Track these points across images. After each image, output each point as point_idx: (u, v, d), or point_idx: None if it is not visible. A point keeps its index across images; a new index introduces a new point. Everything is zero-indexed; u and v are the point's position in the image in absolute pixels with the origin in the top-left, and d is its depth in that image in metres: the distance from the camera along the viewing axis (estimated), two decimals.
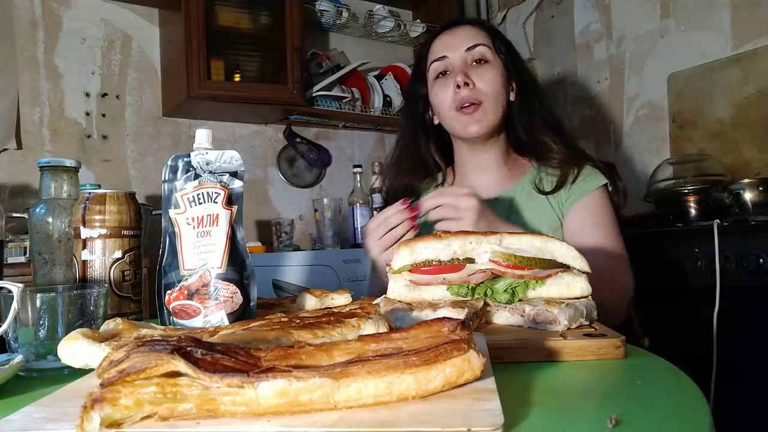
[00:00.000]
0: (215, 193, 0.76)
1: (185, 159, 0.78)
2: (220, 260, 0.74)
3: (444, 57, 1.13)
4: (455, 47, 1.13)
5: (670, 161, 2.14)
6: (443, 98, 1.17)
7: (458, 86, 1.13)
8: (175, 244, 0.76)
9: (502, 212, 1.20)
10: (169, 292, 0.75)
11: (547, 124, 1.19)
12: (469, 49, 1.12)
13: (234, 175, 0.77)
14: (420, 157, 1.25)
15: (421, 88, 1.23)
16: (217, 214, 0.75)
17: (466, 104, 1.14)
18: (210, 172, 0.77)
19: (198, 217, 0.75)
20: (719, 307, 1.48)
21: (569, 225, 1.15)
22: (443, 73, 1.17)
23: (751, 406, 1.46)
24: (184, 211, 0.76)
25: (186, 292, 0.73)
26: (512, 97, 1.20)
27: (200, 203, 0.76)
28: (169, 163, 0.78)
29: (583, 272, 0.75)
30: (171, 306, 0.74)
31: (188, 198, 0.76)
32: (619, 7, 2.55)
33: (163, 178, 0.78)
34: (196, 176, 0.77)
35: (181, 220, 0.76)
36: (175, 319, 0.74)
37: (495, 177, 1.24)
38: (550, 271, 0.75)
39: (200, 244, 0.75)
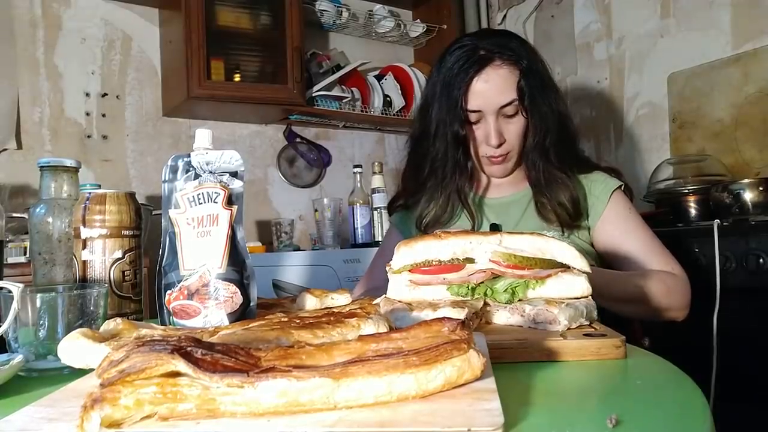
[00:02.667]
0: (215, 193, 0.76)
1: (185, 159, 0.78)
2: (220, 260, 0.74)
3: (479, 111, 1.18)
4: (490, 101, 1.16)
5: (670, 161, 2.15)
6: (475, 139, 1.22)
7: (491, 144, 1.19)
8: (175, 244, 0.75)
9: (518, 211, 1.23)
10: (169, 292, 0.75)
11: (560, 160, 1.20)
12: (503, 106, 1.16)
13: (234, 175, 0.77)
14: (458, 189, 1.26)
15: (459, 115, 1.20)
16: (217, 214, 0.75)
17: (496, 157, 1.21)
18: (210, 172, 0.77)
19: (198, 217, 0.75)
20: (719, 307, 1.47)
21: (606, 239, 1.18)
22: (477, 121, 1.21)
23: (751, 406, 1.45)
24: (184, 211, 0.76)
25: (186, 292, 0.73)
26: (530, 137, 1.21)
27: (200, 203, 0.76)
28: (169, 163, 0.78)
29: (583, 272, 0.75)
30: (171, 306, 0.74)
31: (188, 198, 0.76)
32: (619, 7, 2.55)
33: (163, 178, 0.78)
34: (196, 176, 0.77)
35: (181, 220, 0.76)
36: (175, 319, 0.74)
37: (510, 179, 1.29)
38: (550, 271, 0.75)
39: (200, 244, 0.75)
